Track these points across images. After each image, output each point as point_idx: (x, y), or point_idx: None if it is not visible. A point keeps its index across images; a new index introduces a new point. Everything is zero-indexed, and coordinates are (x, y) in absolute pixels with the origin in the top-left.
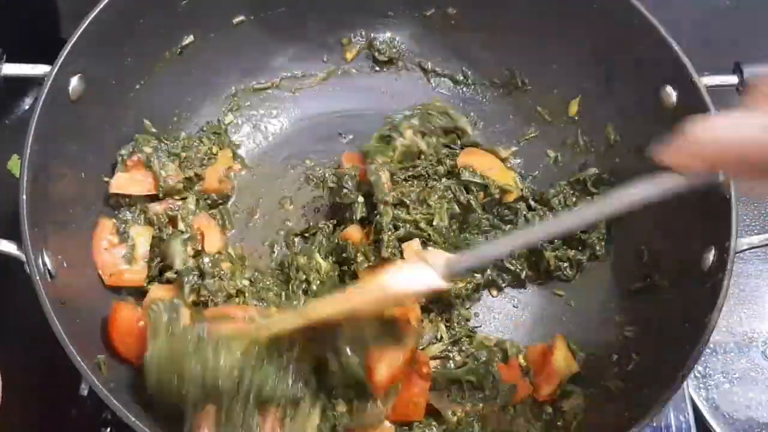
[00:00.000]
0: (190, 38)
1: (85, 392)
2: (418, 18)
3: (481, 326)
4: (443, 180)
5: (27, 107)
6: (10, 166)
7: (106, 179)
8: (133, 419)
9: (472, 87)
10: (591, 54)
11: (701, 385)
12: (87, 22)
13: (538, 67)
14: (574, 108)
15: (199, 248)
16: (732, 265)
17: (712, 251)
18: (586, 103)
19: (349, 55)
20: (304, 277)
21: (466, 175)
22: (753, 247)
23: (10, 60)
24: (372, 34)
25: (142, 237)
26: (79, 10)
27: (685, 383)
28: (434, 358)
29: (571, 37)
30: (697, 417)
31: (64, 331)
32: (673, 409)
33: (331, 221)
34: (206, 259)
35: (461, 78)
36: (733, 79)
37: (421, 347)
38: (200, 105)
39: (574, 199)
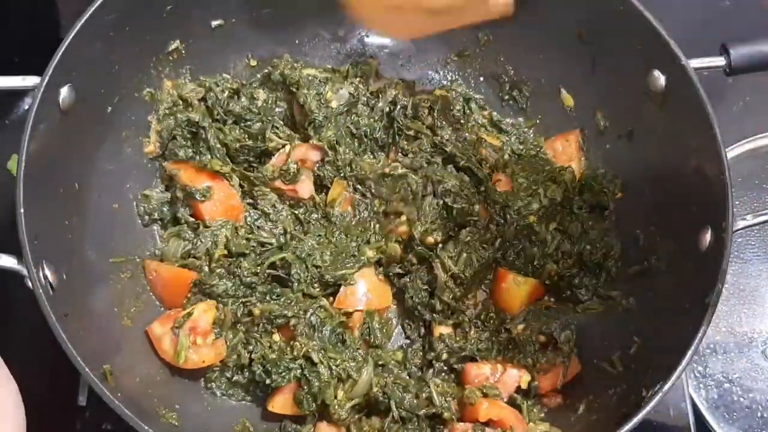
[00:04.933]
0: (176, 43)
1: (83, 403)
2: None
3: None
4: None
5: (26, 107)
6: (10, 166)
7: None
8: (146, 428)
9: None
10: (577, 40)
11: (701, 385)
12: (74, 32)
13: (523, 55)
14: (568, 99)
15: None
16: (730, 244)
17: (709, 231)
18: (575, 91)
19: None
20: None
21: None
22: (750, 226)
23: (6, 64)
24: (360, 34)
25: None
26: (79, 10)
27: (685, 383)
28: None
29: (556, 24)
30: (697, 417)
31: (70, 343)
32: (673, 408)
33: None
34: None
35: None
36: (720, 61)
37: None
38: None
39: None
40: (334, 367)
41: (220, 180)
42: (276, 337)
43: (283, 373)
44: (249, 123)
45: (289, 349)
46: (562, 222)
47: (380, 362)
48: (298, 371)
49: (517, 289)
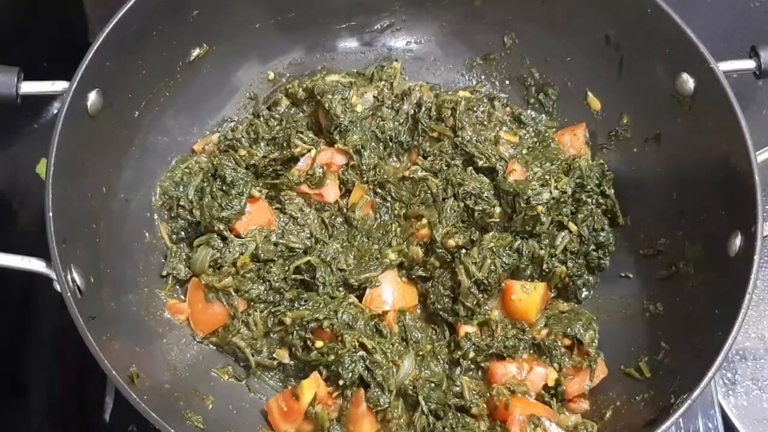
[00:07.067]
0: (203, 48)
1: (110, 405)
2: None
3: None
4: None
5: (55, 111)
6: (39, 170)
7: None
8: (172, 431)
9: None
10: (604, 43)
11: (730, 392)
12: (102, 37)
13: (549, 58)
14: (594, 102)
15: None
16: (760, 248)
17: (738, 236)
18: (601, 94)
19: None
20: None
21: None
22: None
23: (36, 69)
24: (389, 38)
25: None
26: (107, 16)
27: (714, 390)
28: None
29: (582, 27)
30: (726, 424)
31: (97, 345)
32: (702, 415)
33: None
34: None
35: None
36: (750, 64)
37: None
38: (216, 112)
39: None
40: (387, 352)
41: (254, 200)
42: (319, 343)
43: (350, 367)
44: (274, 133)
45: (340, 345)
46: (575, 217)
47: (420, 352)
48: (362, 364)
49: (528, 297)
